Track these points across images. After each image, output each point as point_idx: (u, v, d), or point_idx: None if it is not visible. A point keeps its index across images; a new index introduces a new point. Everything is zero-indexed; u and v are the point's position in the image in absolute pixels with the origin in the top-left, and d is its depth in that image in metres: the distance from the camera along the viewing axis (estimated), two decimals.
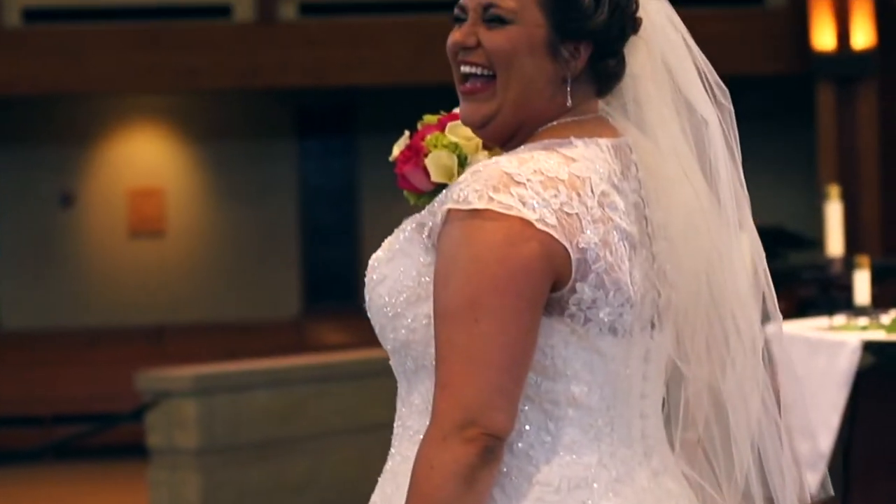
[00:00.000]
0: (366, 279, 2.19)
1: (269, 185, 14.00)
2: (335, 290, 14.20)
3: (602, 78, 2.14)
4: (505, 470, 2.08)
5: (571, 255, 2.03)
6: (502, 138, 2.17)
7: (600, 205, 2.05)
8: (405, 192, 2.42)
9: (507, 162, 2.04)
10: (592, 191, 2.05)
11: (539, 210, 2.00)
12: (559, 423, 2.07)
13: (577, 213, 2.03)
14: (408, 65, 12.45)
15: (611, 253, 2.06)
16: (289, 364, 9.15)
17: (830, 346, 4.66)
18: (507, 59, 2.11)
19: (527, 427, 2.07)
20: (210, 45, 12.37)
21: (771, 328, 2.24)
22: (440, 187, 2.32)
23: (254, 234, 13.97)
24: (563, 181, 2.03)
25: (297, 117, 14.15)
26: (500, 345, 1.99)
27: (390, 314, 2.13)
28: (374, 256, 2.20)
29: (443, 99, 10.23)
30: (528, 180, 2.02)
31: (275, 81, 12.64)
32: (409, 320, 2.11)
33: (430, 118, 2.47)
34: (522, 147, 2.10)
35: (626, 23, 2.13)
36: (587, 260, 2.04)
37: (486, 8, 2.11)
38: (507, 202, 2.00)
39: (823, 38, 11.01)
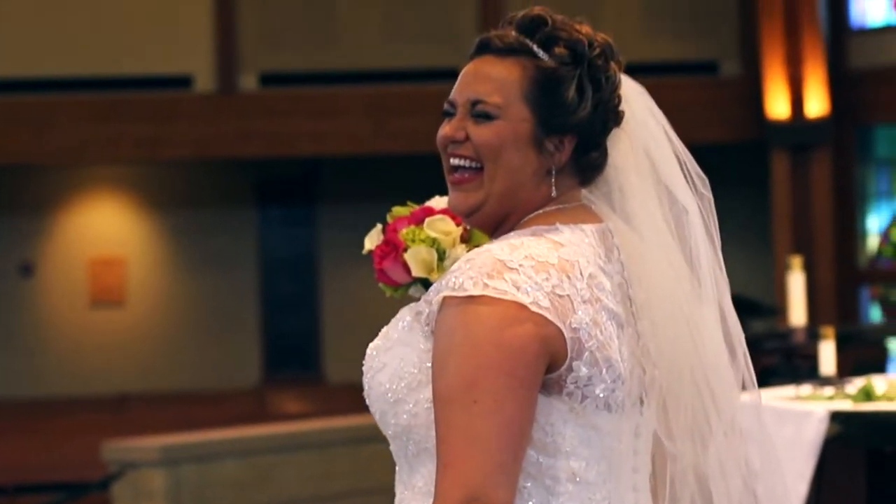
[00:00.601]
0: (364, 368, 2.25)
1: (230, 254, 13.99)
2: (295, 359, 14.21)
3: (585, 169, 2.21)
4: None
5: (565, 334, 2.10)
6: (490, 226, 2.25)
7: (589, 286, 2.13)
8: (381, 285, 2.48)
9: (499, 249, 2.11)
10: (581, 273, 2.13)
11: (532, 293, 2.07)
12: (560, 499, 2.14)
13: (568, 295, 2.10)
14: (368, 136, 12.57)
15: (601, 332, 2.13)
16: (255, 433, 9.20)
17: (798, 416, 4.74)
18: (494, 153, 2.18)
19: (530, 503, 2.14)
20: (171, 116, 12.38)
21: (747, 399, 2.30)
22: (417, 280, 2.44)
23: (214, 303, 13.96)
24: (553, 265, 2.11)
25: (257, 187, 14.16)
26: (499, 424, 2.05)
27: (392, 400, 2.19)
28: (372, 345, 2.25)
29: (401, 169, 10.35)
30: (520, 265, 2.09)
31: (236, 151, 12.65)
32: (411, 405, 2.16)
33: (399, 210, 2.54)
34: (512, 234, 2.16)
35: (609, 117, 2.20)
36: (580, 339, 2.11)
37: (474, 104, 2.18)
38: (501, 287, 2.06)
39: (778, 106, 11.26)
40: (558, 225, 2.18)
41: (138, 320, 14.17)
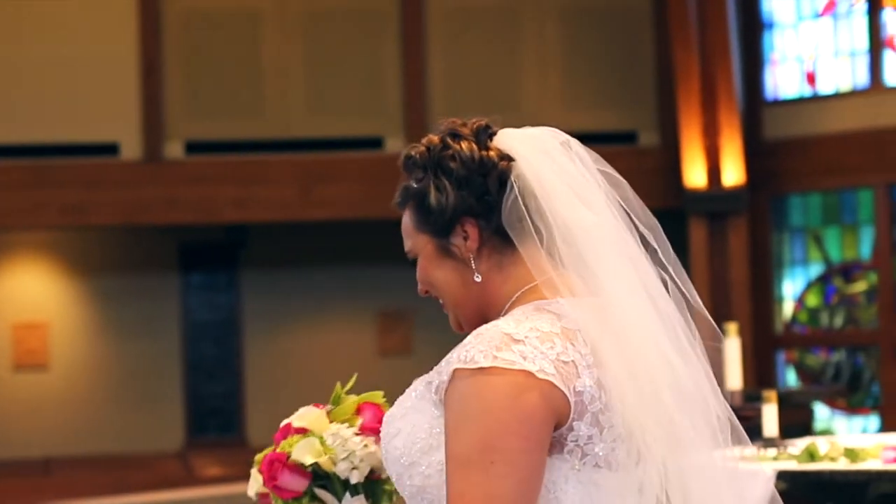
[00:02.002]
0: (381, 433, 2.39)
1: (153, 319, 13.97)
2: (217, 422, 14.19)
3: (506, 232, 2.37)
4: None
5: (570, 398, 2.24)
6: (481, 323, 2.37)
7: (590, 353, 2.27)
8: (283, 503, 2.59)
9: (506, 324, 2.27)
10: (584, 340, 2.27)
11: (539, 362, 2.21)
12: None
13: (573, 361, 2.25)
14: (293, 203, 12.66)
15: (605, 394, 2.27)
16: (179, 497, 9.52)
17: (746, 475, 4.94)
18: (428, 283, 2.43)
19: None
20: (97, 183, 12.34)
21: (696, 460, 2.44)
22: (316, 481, 2.57)
23: (138, 366, 13.91)
24: (557, 334, 2.26)
25: (182, 252, 14.12)
26: (515, 483, 2.18)
27: (406, 463, 2.33)
28: (387, 413, 2.40)
29: (325, 236, 10.49)
30: (526, 337, 2.24)
31: (161, 218, 12.64)
32: (424, 467, 2.29)
33: (260, 456, 2.64)
34: (517, 310, 2.32)
35: (487, 181, 2.36)
36: (584, 401, 2.25)
37: (408, 254, 2.47)
38: (510, 358, 2.21)
39: (695, 175, 11.55)
40: (558, 298, 2.32)
41: (62, 384, 14.05)
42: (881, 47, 12.27)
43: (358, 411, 2.70)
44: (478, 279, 2.40)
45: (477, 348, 2.27)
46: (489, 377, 2.24)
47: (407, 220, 2.47)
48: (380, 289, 14.36)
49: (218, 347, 14.25)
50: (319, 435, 2.61)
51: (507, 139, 2.43)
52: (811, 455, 5.47)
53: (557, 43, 13.17)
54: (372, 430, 2.67)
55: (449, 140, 2.42)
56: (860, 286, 12.55)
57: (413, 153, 2.44)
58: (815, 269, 12.46)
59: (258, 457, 2.65)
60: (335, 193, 12.85)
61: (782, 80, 12.92)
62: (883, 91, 12.32)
